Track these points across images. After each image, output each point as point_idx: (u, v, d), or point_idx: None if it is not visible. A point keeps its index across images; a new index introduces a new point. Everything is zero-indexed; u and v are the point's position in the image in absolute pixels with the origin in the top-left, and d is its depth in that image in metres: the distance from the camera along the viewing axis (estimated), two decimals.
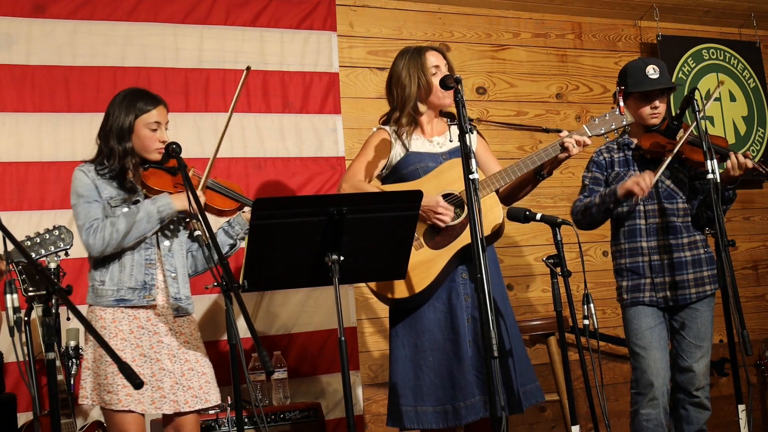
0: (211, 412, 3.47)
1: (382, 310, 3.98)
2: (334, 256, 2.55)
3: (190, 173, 2.97)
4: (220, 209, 2.97)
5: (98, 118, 3.01)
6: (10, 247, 2.28)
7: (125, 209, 2.86)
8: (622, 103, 3.23)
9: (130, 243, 2.81)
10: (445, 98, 3.12)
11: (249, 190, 4.09)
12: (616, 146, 3.48)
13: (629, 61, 3.52)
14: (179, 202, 2.86)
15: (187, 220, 2.84)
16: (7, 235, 2.25)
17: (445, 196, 3.00)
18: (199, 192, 2.87)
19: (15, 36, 3.80)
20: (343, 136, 4.34)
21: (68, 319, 3.24)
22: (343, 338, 2.50)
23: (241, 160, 4.12)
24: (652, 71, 3.36)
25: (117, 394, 2.75)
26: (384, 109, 3.28)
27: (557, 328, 3.06)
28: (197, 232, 2.69)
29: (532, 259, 4.77)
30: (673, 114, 3.41)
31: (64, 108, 3.82)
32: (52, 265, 3.25)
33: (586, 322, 2.81)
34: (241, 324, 2.68)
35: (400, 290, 2.97)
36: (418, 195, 2.68)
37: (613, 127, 3.12)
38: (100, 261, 2.85)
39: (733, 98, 5.39)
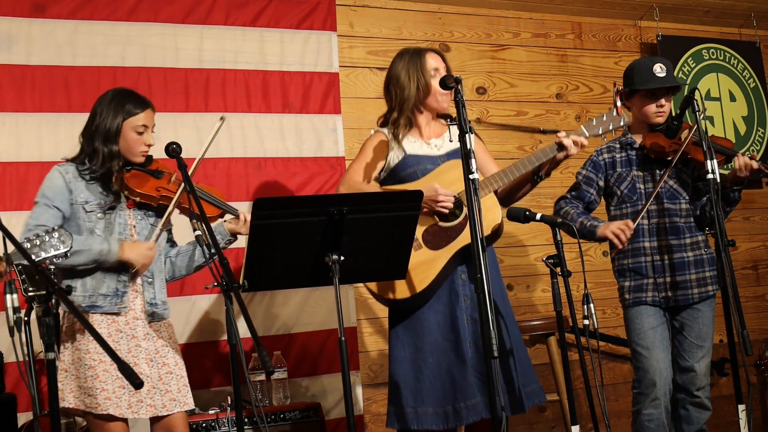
0: (211, 411, 3.47)
1: (382, 310, 3.97)
2: (334, 256, 2.55)
3: (172, 179, 2.96)
4: None
5: None
6: (11, 248, 2.28)
7: (99, 215, 2.84)
8: (619, 103, 3.23)
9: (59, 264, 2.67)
10: (444, 101, 3.11)
11: (249, 190, 4.10)
12: (618, 145, 3.47)
13: (636, 59, 3.52)
14: (128, 253, 2.79)
15: (193, 220, 2.83)
16: (8, 235, 2.24)
17: None
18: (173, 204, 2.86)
19: (15, 36, 3.80)
20: (343, 136, 4.34)
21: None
22: (343, 338, 2.50)
23: (241, 160, 4.12)
24: (659, 69, 3.35)
25: (96, 397, 2.73)
26: (384, 109, 3.28)
27: (557, 328, 3.06)
28: (197, 233, 2.69)
29: (533, 259, 4.77)
30: (673, 114, 3.40)
31: (64, 108, 3.82)
32: (52, 266, 3.24)
33: (586, 322, 2.81)
34: (241, 324, 2.68)
35: (400, 291, 2.97)
36: (418, 195, 2.68)
37: (611, 127, 3.12)
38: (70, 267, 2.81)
39: (733, 98, 5.39)
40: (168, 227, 3.09)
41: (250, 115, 4.18)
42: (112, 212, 2.88)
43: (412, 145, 3.14)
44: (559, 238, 2.87)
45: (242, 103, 4.17)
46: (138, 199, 2.91)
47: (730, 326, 3.06)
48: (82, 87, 3.86)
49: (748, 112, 5.41)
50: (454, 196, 2.99)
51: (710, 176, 3.06)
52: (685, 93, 3.27)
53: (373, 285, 3.02)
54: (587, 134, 3.08)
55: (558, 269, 2.84)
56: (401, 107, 3.12)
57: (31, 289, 2.94)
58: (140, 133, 2.89)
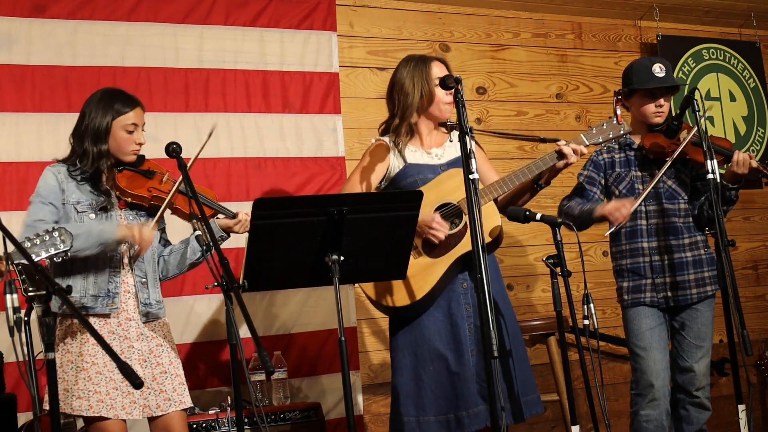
0: (211, 411, 3.47)
1: None
2: (334, 256, 2.55)
3: (164, 179, 2.95)
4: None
5: None
6: (11, 247, 2.28)
7: (92, 215, 2.84)
8: (619, 111, 3.23)
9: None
10: (446, 111, 3.10)
11: (249, 190, 4.09)
12: (617, 146, 3.48)
13: (635, 59, 3.52)
14: (127, 229, 2.80)
15: (193, 220, 2.83)
16: (8, 235, 2.24)
17: (443, 206, 2.99)
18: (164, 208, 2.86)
19: (15, 36, 3.80)
20: (343, 136, 4.34)
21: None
22: (343, 338, 2.51)
23: (241, 160, 4.12)
24: (659, 69, 3.35)
25: (88, 399, 2.73)
26: (384, 109, 3.27)
27: (557, 328, 3.06)
28: (197, 232, 2.69)
29: (533, 259, 4.77)
30: (673, 114, 3.41)
31: (64, 108, 3.81)
32: (57, 259, 3.23)
33: (586, 322, 2.81)
34: (241, 324, 2.68)
35: (399, 298, 2.95)
36: (418, 195, 2.68)
37: (611, 136, 3.12)
38: (61, 267, 2.81)
39: (733, 98, 5.39)
40: (161, 227, 3.09)
41: (250, 115, 4.18)
42: (104, 213, 2.87)
43: (413, 154, 3.12)
44: (559, 238, 2.86)
45: (242, 103, 4.17)
46: (129, 199, 2.91)
47: (730, 326, 3.06)
48: (82, 87, 3.85)
49: (748, 112, 5.41)
50: (453, 205, 2.99)
51: (710, 176, 3.06)
52: (685, 93, 3.27)
53: (372, 293, 3.00)
54: (587, 142, 3.08)
55: (558, 269, 2.84)
56: (403, 114, 3.10)
57: (31, 289, 2.93)
58: (130, 132, 2.89)
